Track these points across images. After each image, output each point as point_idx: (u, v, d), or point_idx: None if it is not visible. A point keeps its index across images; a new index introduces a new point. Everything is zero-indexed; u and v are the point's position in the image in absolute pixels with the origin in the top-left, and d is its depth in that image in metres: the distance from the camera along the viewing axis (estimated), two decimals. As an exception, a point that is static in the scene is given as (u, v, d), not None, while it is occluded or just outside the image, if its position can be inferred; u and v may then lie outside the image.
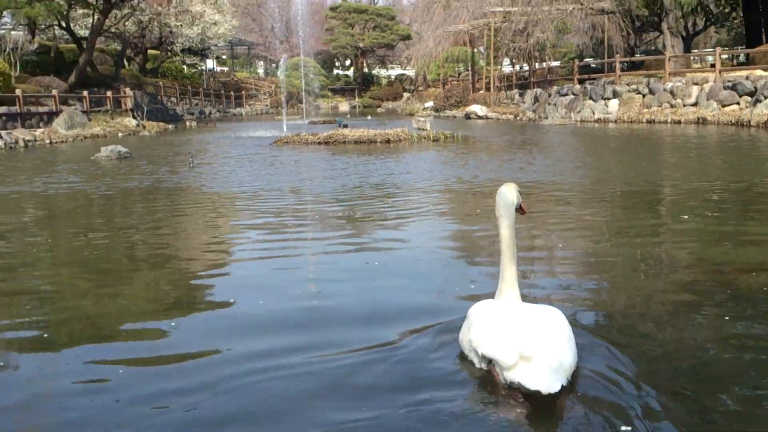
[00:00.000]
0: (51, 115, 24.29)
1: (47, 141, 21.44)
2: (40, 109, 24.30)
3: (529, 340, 2.71)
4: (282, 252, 5.52)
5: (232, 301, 4.14)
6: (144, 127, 27.69)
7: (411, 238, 5.89)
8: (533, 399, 2.62)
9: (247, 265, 5.15)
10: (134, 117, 29.23)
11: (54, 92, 25.37)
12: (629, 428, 2.49)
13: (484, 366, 2.88)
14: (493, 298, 3.25)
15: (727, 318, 3.56)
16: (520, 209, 3.29)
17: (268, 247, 5.72)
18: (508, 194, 3.18)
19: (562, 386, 2.62)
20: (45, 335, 3.63)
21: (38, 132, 22.13)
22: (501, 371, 2.73)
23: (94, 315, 3.94)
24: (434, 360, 3.12)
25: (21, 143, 19.98)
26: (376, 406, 2.71)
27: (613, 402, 2.69)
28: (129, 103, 30.88)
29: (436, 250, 5.40)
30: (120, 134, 25.09)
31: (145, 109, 31.38)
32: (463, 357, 3.08)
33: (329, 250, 5.53)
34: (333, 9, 68.23)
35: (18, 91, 22.76)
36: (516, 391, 2.68)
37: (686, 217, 6.51)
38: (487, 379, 2.85)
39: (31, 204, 8.67)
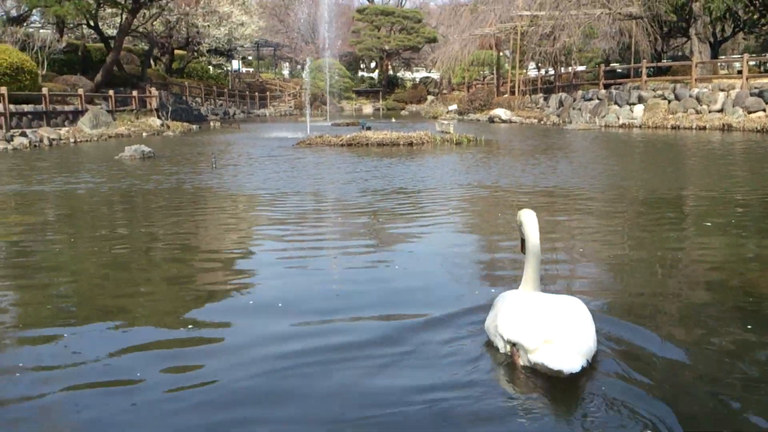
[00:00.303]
0: (76, 114, 24.54)
1: (72, 140, 21.64)
2: (66, 108, 24.55)
3: (551, 325, 2.90)
4: (301, 255, 5.52)
5: (251, 303, 4.16)
6: (168, 127, 27.89)
7: (432, 243, 5.88)
8: (555, 379, 2.79)
9: (265, 267, 5.14)
10: (159, 117, 29.44)
11: (80, 91, 25.62)
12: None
13: (508, 349, 3.07)
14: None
15: (750, 327, 3.51)
16: None
17: (287, 252, 5.71)
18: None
19: (583, 367, 2.80)
20: (65, 335, 3.64)
21: (63, 131, 22.34)
22: (525, 354, 2.92)
23: (114, 314, 3.96)
24: (458, 345, 3.29)
25: (46, 141, 20.18)
26: (401, 390, 2.79)
27: (632, 387, 2.81)
28: (154, 103, 31.12)
29: (457, 256, 5.36)
30: (144, 134, 25.28)
31: (170, 109, 31.62)
32: (488, 343, 3.25)
33: (349, 254, 5.52)
34: (360, 11, 68.30)
35: (44, 90, 23.01)
36: (539, 372, 2.86)
37: (709, 224, 6.42)
38: (508, 362, 3.05)
39: (52, 203, 8.75)
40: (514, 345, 3.00)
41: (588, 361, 2.88)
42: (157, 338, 3.57)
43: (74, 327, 3.75)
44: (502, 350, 3.10)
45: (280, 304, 4.07)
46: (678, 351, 3.21)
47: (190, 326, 3.73)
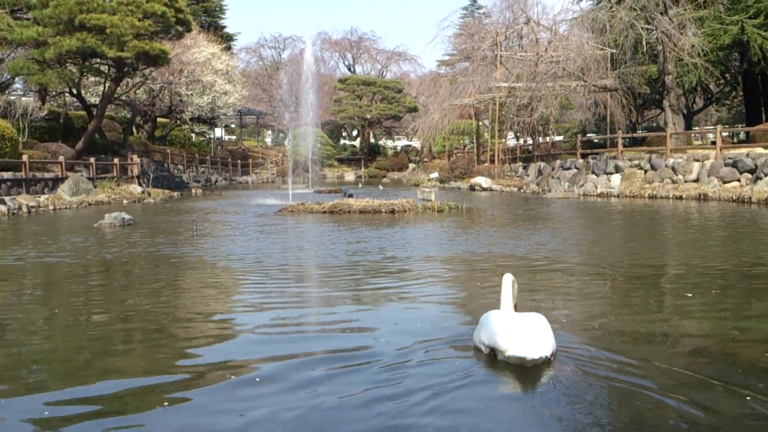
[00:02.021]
0: (56, 181, 24.48)
1: (51, 207, 21.51)
2: (46, 175, 24.49)
3: (516, 333, 4.13)
4: (282, 329, 5.46)
5: (231, 377, 4.08)
6: (149, 194, 27.85)
7: (415, 315, 5.85)
8: (523, 367, 3.99)
9: (245, 342, 5.09)
10: (140, 184, 29.44)
11: (60, 158, 25.61)
12: None
13: (488, 351, 4.26)
14: None
15: (749, 396, 3.50)
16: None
17: (267, 324, 5.66)
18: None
19: (541, 357, 4.00)
20: (47, 413, 3.56)
21: (42, 198, 22.23)
22: (500, 353, 4.12)
23: (89, 384, 3.89)
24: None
25: (24, 209, 20.04)
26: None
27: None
28: (135, 170, 31.17)
29: (442, 324, 5.34)
30: (125, 201, 25.20)
31: (151, 176, 31.65)
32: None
33: (331, 331, 5.48)
34: (342, 81, 69.55)
35: (24, 157, 23.00)
36: (509, 363, 4.07)
37: (690, 294, 6.46)
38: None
39: (28, 274, 8.63)
40: (492, 348, 4.21)
41: (546, 355, 4.04)
42: (130, 411, 3.49)
43: (48, 409, 3.66)
44: (484, 352, 4.30)
45: (257, 379, 4.01)
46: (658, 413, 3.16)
47: (165, 403, 3.65)
